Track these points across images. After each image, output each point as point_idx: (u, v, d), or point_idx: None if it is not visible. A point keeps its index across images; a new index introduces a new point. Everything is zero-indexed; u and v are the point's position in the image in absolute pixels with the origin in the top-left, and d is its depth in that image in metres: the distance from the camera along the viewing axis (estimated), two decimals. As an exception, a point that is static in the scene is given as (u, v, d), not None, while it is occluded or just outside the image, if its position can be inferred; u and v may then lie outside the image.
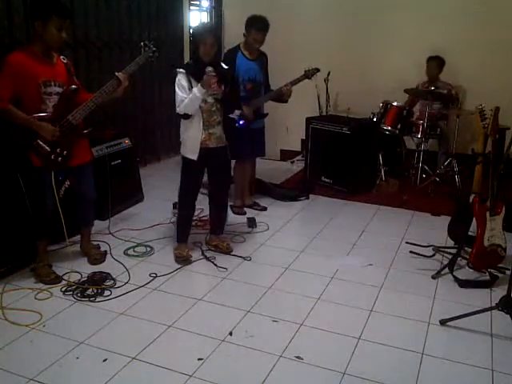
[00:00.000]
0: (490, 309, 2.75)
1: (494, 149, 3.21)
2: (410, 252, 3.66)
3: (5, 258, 3.19)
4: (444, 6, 5.48)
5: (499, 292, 3.02)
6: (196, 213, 4.11)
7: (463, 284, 3.21)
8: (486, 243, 3.21)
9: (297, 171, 5.88)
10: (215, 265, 3.44)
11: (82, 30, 4.63)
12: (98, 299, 2.98)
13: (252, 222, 4.17)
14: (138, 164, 4.83)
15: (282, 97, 4.18)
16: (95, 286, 3.09)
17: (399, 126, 5.08)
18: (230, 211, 4.14)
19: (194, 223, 4.06)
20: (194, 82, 3.19)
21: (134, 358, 2.44)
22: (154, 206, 4.51)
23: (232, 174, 4.54)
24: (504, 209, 3.28)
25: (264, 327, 2.74)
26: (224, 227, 3.76)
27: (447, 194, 4.82)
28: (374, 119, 5.18)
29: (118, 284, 3.16)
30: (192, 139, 3.30)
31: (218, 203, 3.65)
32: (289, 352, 2.51)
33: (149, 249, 3.68)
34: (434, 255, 3.61)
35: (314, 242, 3.89)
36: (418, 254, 3.63)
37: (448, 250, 3.60)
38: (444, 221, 3.88)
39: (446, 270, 3.34)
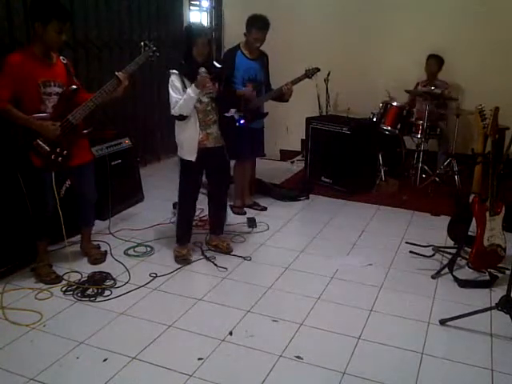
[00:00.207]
0: (490, 309, 2.75)
1: (493, 149, 3.21)
2: (410, 252, 3.67)
3: (5, 258, 3.19)
4: (444, 6, 5.48)
5: (499, 292, 3.02)
6: (196, 213, 4.12)
7: (463, 284, 3.21)
8: (485, 243, 3.21)
9: (297, 171, 5.88)
10: (215, 265, 3.44)
11: (82, 30, 4.63)
12: (98, 299, 2.98)
13: (252, 222, 4.18)
14: (138, 164, 4.83)
15: (282, 96, 4.18)
16: (95, 286, 3.09)
17: (399, 126, 5.08)
18: (229, 211, 4.15)
19: (194, 223, 4.08)
20: (187, 83, 3.18)
21: (134, 358, 2.45)
22: (154, 206, 4.51)
23: (232, 173, 4.55)
24: (504, 209, 3.28)
25: (264, 327, 2.74)
26: (224, 227, 3.76)
27: (447, 193, 4.82)
28: (374, 119, 5.18)
29: (118, 284, 3.16)
30: (189, 140, 3.29)
31: (218, 203, 3.65)
32: (289, 352, 2.52)
33: (149, 249, 3.69)
34: (433, 255, 3.61)
35: (313, 242, 3.89)
36: (418, 254, 3.63)
37: (448, 250, 3.60)
38: (444, 221, 3.88)
39: (446, 269, 3.35)
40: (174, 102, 3.18)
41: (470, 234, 3.27)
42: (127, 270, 3.35)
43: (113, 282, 3.18)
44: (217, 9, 6.63)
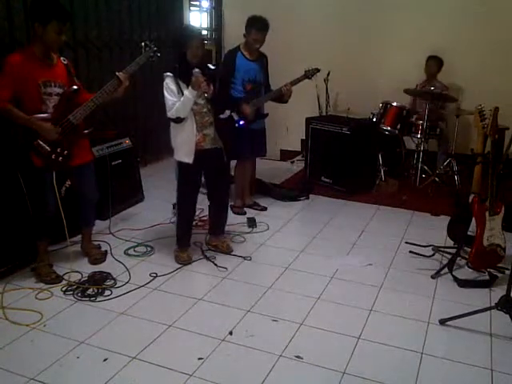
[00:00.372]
0: (490, 308, 2.75)
1: (493, 149, 3.21)
2: (410, 252, 3.67)
3: (5, 258, 3.19)
4: (444, 7, 5.49)
5: (498, 292, 3.02)
6: (196, 213, 4.12)
7: (463, 284, 3.21)
8: (485, 243, 3.22)
9: (297, 171, 5.89)
10: (215, 265, 3.44)
11: (82, 31, 4.64)
12: (98, 299, 2.98)
13: (252, 222, 4.18)
14: (138, 164, 4.84)
15: (282, 97, 4.18)
16: (96, 286, 3.09)
17: (399, 126, 5.08)
18: (229, 211, 4.15)
19: (194, 223, 4.08)
20: (182, 86, 3.17)
21: (134, 358, 2.45)
22: (154, 206, 4.51)
23: (232, 173, 4.55)
24: (503, 209, 3.28)
25: (264, 327, 2.74)
26: (224, 228, 3.75)
27: (447, 193, 4.83)
28: (374, 119, 5.19)
29: (119, 284, 3.16)
30: (186, 142, 3.27)
31: (218, 204, 3.64)
32: (289, 351, 2.52)
33: (149, 249, 3.69)
34: (433, 255, 3.62)
35: (313, 242, 3.89)
36: (418, 254, 3.63)
37: (447, 250, 3.61)
38: (443, 221, 3.89)
39: (446, 269, 3.35)
40: (171, 104, 3.16)
41: (469, 233, 3.28)
42: (127, 269, 3.35)
43: (113, 281, 3.18)
44: (217, 9, 6.63)
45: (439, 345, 2.62)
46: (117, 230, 3.96)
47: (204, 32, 6.66)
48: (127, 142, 4.51)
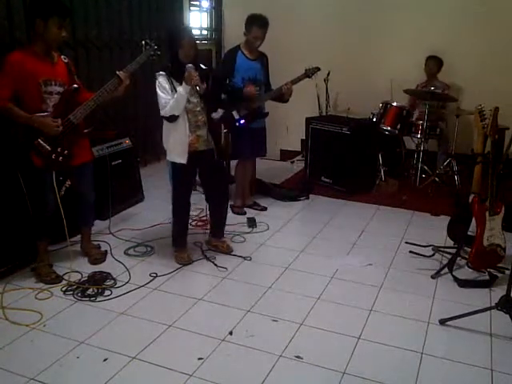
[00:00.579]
0: (490, 308, 2.75)
1: (493, 149, 3.21)
2: (410, 252, 3.67)
3: (5, 258, 3.19)
4: (444, 7, 5.49)
5: (499, 292, 3.02)
6: (196, 213, 4.13)
7: (463, 284, 3.21)
8: (485, 243, 3.22)
9: (297, 171, 5.89)
10: (215, 265, 3.44)
11: (83, 30, 4.63)
12: (98, 299, 2.98)
13: (252, 222, 4.18)
14: (138, 164, 4.84)
15: (282, 96, 4.18)
16: (96, 286, 3.09)
17: (399, 126, 5.08)
18: (229, 211, 4.15)
19: (194, 223, 4.08)
20: (175, 84, 3.16)
21: (134, 358, 2.45)
22: (154, 206, 4.51)
23: (233, 173, 4.55)
24: (503, 209, 3.28)
25: (264, 327, 2.74)
26: (224, 230, 3.74)
27: (447, 193, 4.83)
28: (374, 119, 5.18)
29: (119, 284, 3.16)
30: (179, 142, 3.25)
31: (218, 205, 3.61)
32: (289, 352, 2.52)
33: (149, 249, 3.69)
34: (433, 255, 3.62)
35: (313, 242, 3.89)
36: (418, 254, 3.63)
37: (447, 250, 3.61)
38: (443, 221, 3.88)
39: (446, 269, 3.35)
40: (164, 102, 3.15)
41: (469, 233, 3.28)
42: (127, 269, 3.35)
43: (113, 281, 3.18)
44: (217, 9, 6.63)
45: (439, 345, 2.62)
46: (117, 230, 3.96)
47: (204, 32, 6.67)
48: (127, 141, 4.50)
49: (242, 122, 4.10)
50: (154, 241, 3.80)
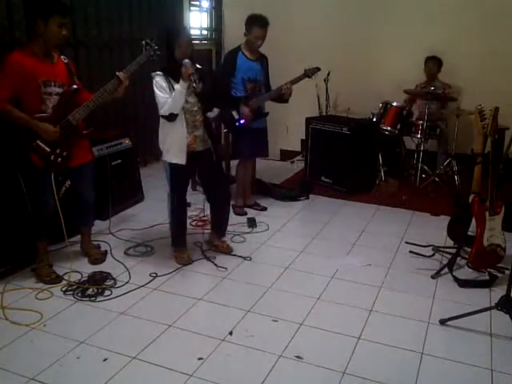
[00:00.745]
0: (490, 308, 2.75)
1: (493, 149, 3.21)
2: (410, 252, 3.67)
3: (6, 258, 3.19)
4: (444, 7, 5.49)
5: (498, 292, 3.02)
6: (196, 213, 4.13)
7: (463, 284, 3.21)
8: (485, 243, 3.21)
9: (297, 171, 5.89)
10: (215, 265, 3.44)
11: (83, 30, 4.63)
12: (98, 299, 2.98)
13: (252, 222, 4.18)
14: (138, 164, 4.84)
15: (282, 96, 4.18)
16: (96, 286, 3.09)
17: (399, 126, 5.08)
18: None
19: (194, 223, 4.08)
20: (173, 83, 3.15)
21: (134, 358, 2.45)
22: (154, 206, 4.51)
23: (234, 173, 4.55)
24: (503, 209, 3.28)
25: (264, 327, 2.74)
26: (226, 229, 3.73)
27: (447, 193, 4.83)
28: (374, 119, 5.18)
29: (119, 284, 3.16)
30: (177, 143, 3.24)
31: (220, 204, 3.60)
32: (289, 351, 2.52)
33: (149, 249, 3.69)
34: (433, 255, 3.62)
35: (313, 242, 3.89)
36: (418, 254, 3.63)
37: (447, 250, 3.61)
38: (443, 221, 3.88)
39: (446, 269, 3.35)
40: (163, 102, 3.14)
41: (469, 233, 3.28)
42: (127, 269, 3.35)
43: (113, 281, 3.18)
44: (217, 9, 6.63)
45: (439, 345, 2.62)
46: (117, 230, 3.96)
47: (204, 32, 6.67)
48: (127, 141, 4.51)
49: (242, 121, 4.10)
50: (153, 241, 3.80)
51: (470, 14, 5.41)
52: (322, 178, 5.23)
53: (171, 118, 3.19)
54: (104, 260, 3.47)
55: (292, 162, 6.26)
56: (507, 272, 3.17)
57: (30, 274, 3.23)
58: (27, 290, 3.06)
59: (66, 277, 3.21)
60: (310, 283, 3.24)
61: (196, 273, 3.38)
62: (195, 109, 3.29)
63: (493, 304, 2.75)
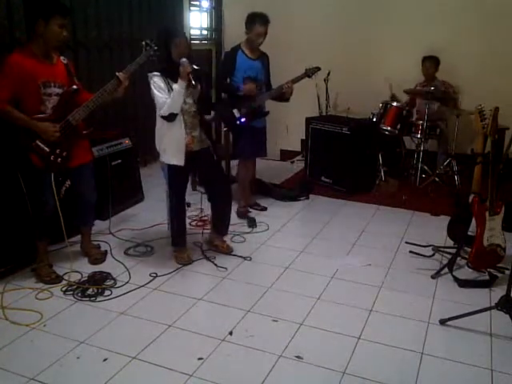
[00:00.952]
0: (490, 308, 2.75)
1: (493, 149, 3.21)
2: (410, 252, 3.67)
3: (6, 258, 3.19)
4: (444, 7, 5.49)
5: (498, 292, 3.02)
6: (196, 213, 4.13)
7: (463, 284, 3.21)
8: (485, 243, 3.21)
9: (297, 171, 5.89)
10: (215, 265, 3.44)
11: (83, 31, 4.63)
12: (98, 299, 2.98)
13: (252, 222, 4.18)
14: (138, 164, 4.84)
15: (283, 95, 4.17)
16: (96, 286, 3.09)
17: (399, 126, 5.08)
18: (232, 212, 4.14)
19: (194, 223, 4.08)
20: (171, 84, 3.14)
21: (134, 358, 2.45)
22: (154, 206, 4.51)
23: (235, 173, 4.54)
24: (503, 209, 3.28)
25: (264, 327, 2.74)
26: (228, 227, 3.72)
27: (447, 193, 4.83)
28: (374, 119, 5.18)
29: (119, 284, 3.16)
30: (175, 144, 3.23)
31: (222, 202, 3.59)
32: (289, 351, 2.52)
33: (149, 248, 3.69)
34: (433, 255, 3.62)
35: (313, 242, 3.89)
36: (418, 254, 3.63)
37: (447, 250, 3.61)
38: (443, 221, 3.88)
39: (446, 269, 3.35)
40: (162, 102, 3.13)
41: (469, 233, 3.28)
42: (127, 269, 3.35)
43: (113, 281, 3.18)
44: (217, 9, 6.63)
45: (439, 345, 2.62)
46: (117, 230, 3.96)
47: (204, 32, 6.67)
48: (127, 141, 4.51)
49: (243, 120, 4.09)
50: (153, 241, 3.80)
51: (470, 13, 5.41)
52: (322, 178, 5.23)
53: (171, 118, 3.19)
54: (104, 260, 3.47)
55: (292, 162, 6.26)
56: (507, 272, 3.17)
57: (30, 273, 3.23)
58: (27, 289, 3.06)
59: (66, 277, 3.21)
60: (310, 283, 3.24)
61: (196, 273, 3.38)
62: (193, 110, 3.29)
63: (493, 304, 2.75)
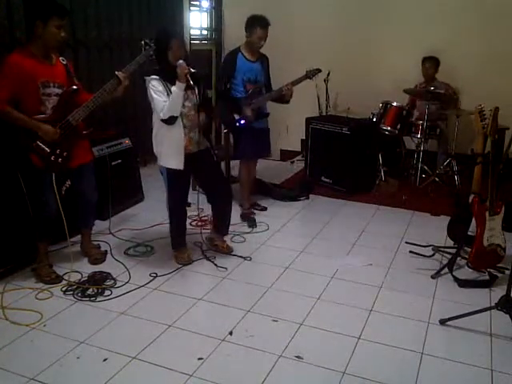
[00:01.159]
0: (490, 308, 2.75)
1: (493, 149, 3.21)
2: (410, 252, 3.67)
3: (6, 258, 3.19)
4: (444, 7, 5.48)
5: (498, 292, 3.02)
6: (196, 213, 4.12)
7: (463, 284, 3.21)
8: (485, 243, 3.22)
9: (297, 171, 5.89)
10: (215, 265, 3.44)
11: (83, 31, 4.64)
12: (98, 299, 2.98)
13: (252, 222, 4.18)
14: (138, 164, 4.84)
15: (283, 97, 4.17)
16: (96, 286, 3.09)
17: (399, 127, 5.08)
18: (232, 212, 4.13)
19: (194, 223, 4.08)
20: (170, 87, 3.12)
21: (134, 358, 2.45)
22: (153, 206, 4.51)
23: (233, 173, 4.54)
24: (503, 209, 3.28)
25: (264, 327, 2.74)
26: (229, 227, 3.71)
27: (447, 193, 4.83)
28: (374, 119, 5.18)
29: (119, 284, 3.16)
30: (175, 147, 3.21)
31: (223, 203, 3.58)
32: (289, 351, 2.52)
33: (149, 248, 3.69)
34: (433, 255, 3.62)
35: (313, 242, 3.89)
36: (418, 254, 3.63)
37: (447, 250, 3.61)
38: (443, 221, 3.88)
39: (446, 269, 3.35)
40: (162, 105, 3.10)
41: (469, 233, 3.28)
42: (127, 269, 3.35)
43: (113, 281, 3.18)
44: (217, 9, 6.63)
45: (439, 345, 2.63)
46: (117, 230, 3.96)
47: (204, 32, 6.67)
48: (127, 142, 4.51)
49: (243, 122, 4.10)
50: (153, 241, 3.80)
51: (470, 13, 5.41)
52: (322, 178, 5.23)
53: (171, 120, 3.17)
54: (104, 260, 3.47)
55: (292, 162, 6.26)
56: (507, 272, 3.17)
57: (30, 273, 3.23)
58: (27, 289, 3.06)
59: (66, 277, 3.21)
60: (310, 283, 3.24)
61: (196, 273, 3.38)
62: (192, 113, 3.28)
63: (493, 304, 2.75)
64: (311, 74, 4.19)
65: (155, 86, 3.13)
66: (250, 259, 3.56)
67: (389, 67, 5.75)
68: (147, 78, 3.15)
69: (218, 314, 2.87)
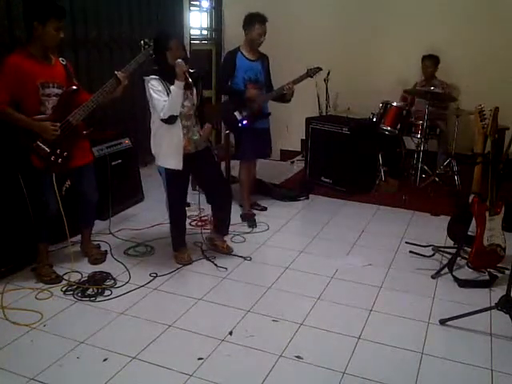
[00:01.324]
0: (490, 308, 2.75)
1: (493, 149, 3.21)
2: (410, 252, 3.67)
3: (6, 258, 3.19)
4: (444, 7, 5.49)
5: (498, 292, 3.02)
6: (196, 213, 4.13)
7: (463, 284, 3.21)
8: (485, 243, 3.22)
9: (297, 171, 5.89)
10: (215, 265, 3.44)
11: (83, 31, 4.64)
12: (98, 299, 2.98)
13: (252, 222, 4.18)
14: (138, 164, 4.83)
15: (284, 96, 4.17)
16: (96, 286, 3.09)
17: (399, 126, 5.08)
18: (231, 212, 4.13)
19: (194, 223, 4.08)
20: (169, 86, 3.12)
21: (134, 358, 2.45)
22: (153, 206, 4.50)
23: (233, 173, 4.53)
24: (503, 209, 3.28)
25: (264, 327, 2.74)
26: (229, 227, 3.72)
27: (447, 193, 4.83)
28: (374, 119, 5.18)
29: (119, 284, 3.16)
30: (174, 148, 3.21)
31: (222, 203, 3.58)
32: (289, 351, 2.52)
33: (149, 248, 3.69)
34: (433, 255, 3.62)
35: (313, 242, 3.89)
36: (418, 254, 3.63)
37: (447, 250, 3.61)
38: (443, 221, 3.89)
39: (446, 269, 3.35)
40: (162, 105, 3.09)
41: (469, 233, 3.28)
42: (127, 269, 3.35)
43: (113, 281, 3.18)
44: (217, 9, 6.63)
45: (439, 345, 2.62)
46: (117, 230, 3.96)
47: (204, 32, 6.67)
48: (127, 141, 4.51)
49: (245, 122, 4.09)
50: (153, 241, 3.80)
51: (470, 14, 5.41)
52: (322, 178, 5.23)
53: (171, 120, 3.16)
54: (104, 260, 3.47)
55: (292, 162, 6.26)
56: (507, 272, 3.17)
57: (30, 274, 3.23)
58: (27, 290, 3.06)
59: (66, 277, 3.21)
60: (309, 283, 3.24)
61: (196, 273, 3.38)
62: (191, 113, 3.28)
63: (493, 304, 2.75)
64: (312, 73, 4.20)
65: (155, 86, 3.13)
66: (250, 259, 3.56)
67: (389, 67, 5.75)
68: (146, 77, 3.15)
69: (217, 314, 2.87)
